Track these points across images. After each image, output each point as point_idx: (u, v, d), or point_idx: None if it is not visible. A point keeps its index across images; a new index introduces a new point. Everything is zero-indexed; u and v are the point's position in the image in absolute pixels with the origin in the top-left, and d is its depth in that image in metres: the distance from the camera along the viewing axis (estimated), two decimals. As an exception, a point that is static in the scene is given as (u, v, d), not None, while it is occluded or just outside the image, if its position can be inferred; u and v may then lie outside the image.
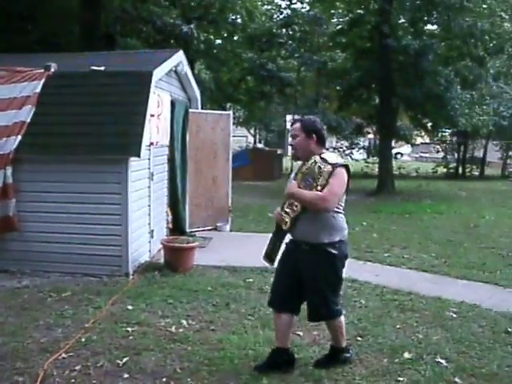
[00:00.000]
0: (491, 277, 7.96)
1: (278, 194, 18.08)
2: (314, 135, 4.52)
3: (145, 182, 8.18)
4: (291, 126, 4.74)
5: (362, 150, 33.68)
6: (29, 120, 7.41)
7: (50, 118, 7.50)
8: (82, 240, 7.45)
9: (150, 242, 8.46)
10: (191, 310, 6.18)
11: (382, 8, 18.40)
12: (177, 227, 9.61)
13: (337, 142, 31.07)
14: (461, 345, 5.35)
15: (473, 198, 18.70)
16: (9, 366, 4.63)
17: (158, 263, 8.05)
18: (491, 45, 19.13)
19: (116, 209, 7.35)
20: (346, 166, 4.47)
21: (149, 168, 8.32)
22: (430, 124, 24.52)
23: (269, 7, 28.74)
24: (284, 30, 26.70)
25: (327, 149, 4.78)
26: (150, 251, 8.48)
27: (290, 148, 4.92)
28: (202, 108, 11.29)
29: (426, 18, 19.93)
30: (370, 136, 31.63)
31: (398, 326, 5.80)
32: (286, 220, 4.51)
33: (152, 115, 7.92)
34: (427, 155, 43.47)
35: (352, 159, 29.25)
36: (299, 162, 4.67)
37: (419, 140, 36.25)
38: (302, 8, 27.85)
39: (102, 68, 7.84)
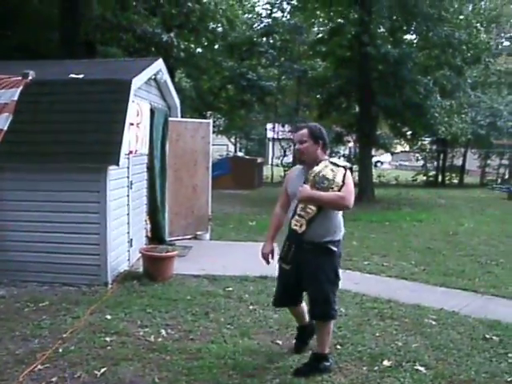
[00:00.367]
0: (470, 284, 8.02)
1: (259, 202, 18.24)
2: (320, 141, 4.83)
3: (124, 191, 8.13)
4: (297, 131, 5.00)
5: (342, 159, 33.83)
6: (6, 128, 7.32)
7: (28, 126, 7.41)
8: (60, 249, 7.36)
9: (128, 250, 8.41)
10: (170, 319, 6.13)
11: (362, 18, 18.56)
12: (156, 236, 9.55)
13: (317, 151, 31.10)
14: (440, 352, 5.37)
15: (452, 205, 18.86)
16: (-17, 379, 4.54)
17: (137, 272, 7.99)
18: (468, 54, 19.36)
19: (95, 217, 7.28)
20: (351, 169, 4.86)
21: (128, 177, 8.27)
22: (409, 132, 24.74)
23: (249, 16, 28.88)
24: (264, 39, 26.87)
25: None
26: (129, 260, 8.42)
27: (291, 152, 5.40)
28: (181, 116, 11.27)
29: (404, 28, 20.17)
30: (350, 144, 31.77)
31: (377, 334, 5.81)
32: (302, 223, 4.72)
33: (131, 124, 7.88)
34: (407, 163, 43.87)
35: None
36: (294, 167, 5.03)
37: (399, 148, 36.54)
38: (283, 17, 28.04)
39: (81, 76, 7.79)
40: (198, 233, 10.80)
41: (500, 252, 10.43)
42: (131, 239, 8.49)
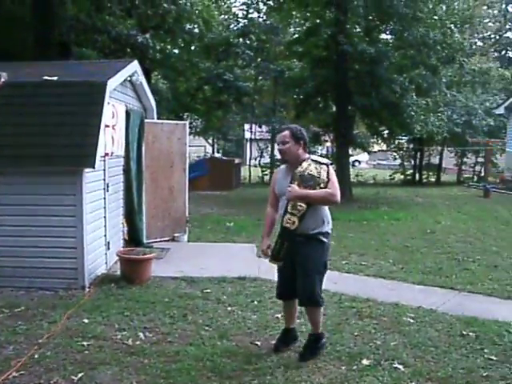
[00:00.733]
0: (447, 281, 8.08)
1: (236, 203, 18.23)
2: (301, 142, 5.17)
3: (100, 194, 8.05)
4: (279, 133, 5.31)
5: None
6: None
7: (0, 129, 7.32)
8: (36, 253, 7.28)
9: (106, 253, 8.34)
10: (148, 322, 6.10)
11: (337, 18, 18.62)
12: (134, 238, 9.49)
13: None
14: (418, 349, 5.41)
15: (429, 204, 19.00)
16: (-45, 388, 4.48)
17: (115, 275, 7.93)
18: (443, 54, 19.51)
19: (71, 221, 7.21)
20: (332, 164, 5.27)
21: (104, 179, 8.20)
22: (386, 131, 24.86)
23: (226, 17, 28.84)
24: (241, 40, 26.82)
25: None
26: (106, 263, 8.36)
27: (277, 152, 5.58)
28: (158, 118, 11.22)
29: (380, 28, 20.28)
30: (328, 144, 31.88)
31: (356, 333, 5.83)
32: (294, 220, 5.03)
33: (107, 126, 7.82)
34: (385, 162, 44.09)
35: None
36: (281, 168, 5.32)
37: (376, 147, 36.70)
38: (259, 17, 28.06)
39: (55, 78, 7.71)
40: (176, 235, 10.76)
41: (476, 249, 10.52)
42: (108, 242, 8.42)
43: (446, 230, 12.95)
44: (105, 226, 8.30)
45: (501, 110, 26.04)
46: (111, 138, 8.22)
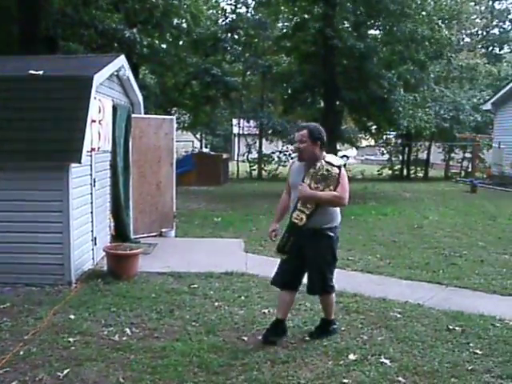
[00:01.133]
0: (434, 276, 8.11)
1: (224, 198, 18.22)
2: (318, 142, 5.26)
3: (86, 189, 8.01)
4: (298, 131, 5.39)
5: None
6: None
7: (-15, 124, 7.26)
8: (22, 249, 7.22)
9: (93, 249, 8.30)
10: (135, 317, 6.07)
11: (326, 13, 18.61)
12: (121, 234, 9.44)
13: (282, 146, 31.22)
14: (404, 344, 5.43)
15: (417, 199, 19.05)
16: None
17: (102, 271, 7.90)
18: (431, 50, 19.56)
19: (57, 216, 7.17)
20: (344, 166, 5.47)
21: (90, 174, 8.15)
22: (374, 127, 24.91)
23: (214, 11, 28.76)
24: (229, 35, 26.76)
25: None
26: (93, 259, 8.32)
27: (294, 150, 6.08)
28: (146, 113, 11.17)
29: (368, 23, 20.29)
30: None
31: (342, 328, 5.83)
32: (302, 217, 5.25)
33: (93, 121, 7.77)
34: (373, 157, 44.22)
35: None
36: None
37: (364, 143, 36.80)
38: (247, 12, 28.01)
39: (41, 72, 7.65)
40: (163, 230, 10.73)
41: (463, 244, 10.56)
42: (95, 237, 8.38)
43: (433, 225, 12.99)
44: (91, 221, 8.25)
45: (488, 106, 26.15)
46: (98, 133, 8.17)
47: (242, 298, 6.86)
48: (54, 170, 7.12)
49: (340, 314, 6.27)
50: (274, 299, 6.75)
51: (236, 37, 27.32)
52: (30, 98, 7.42)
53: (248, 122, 32.05)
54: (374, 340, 5.52)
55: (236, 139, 36.60)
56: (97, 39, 17.23)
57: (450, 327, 5.87)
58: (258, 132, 31.79)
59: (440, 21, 19.53)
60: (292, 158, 29.43)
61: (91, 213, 8.22)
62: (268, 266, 8.31)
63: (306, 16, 20.43)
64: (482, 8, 45.16)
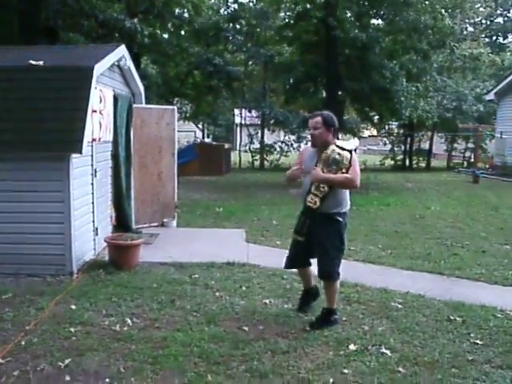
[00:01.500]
0: (436, 266, 8.10)
1: (226, 188, 18.21)
2: (331, 128, 5.52)
3: (88, 179, 8.00)
4: (312, 118, 5.62)
5: (309, 144, 33.86)
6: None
7: (-15, 115, 7.24)
8: (23, 239, 7.22)
9: (94, 239, 8.30)
10: (136, 307, 6.08)
11: (328, 2, 18.51)
12: (122, 224, 9.44)
13: (284, 136, 31.18)
14: (405, 335, 5.43)
15: (419, 189, 19.02)
16: None
17: (103, 261, 7.90)
18: (434, 39, 19.47)
19: (58, 207, 7.15)
20: (355, 150, 5.66)
21: (92, 164, 8.15)
22: (376, 117, 24.85)
23: (215, 1, 28.65)
24: (231, 24, 26.65)
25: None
26: (94, 249, 8.32)
27: (309, 137, 5.90)
28: (148, 103, 11.14)
29: (371, 12, 20.19)
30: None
31: (343, 319, 5.83)
32: (316, 200, 5.50)
33: (94, 111, 7.74)
34: (375, 148, 44.12)
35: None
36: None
37: (367, 133, 36.73)
38: (249, 2, 27.88)
39: (41, 62, 7.61)
40: (165, 220, 10.73)
41: (465, 234, 10.55)
42: (97, 228, 8.38)
43: (435, 215, 12.98)
44: (93, 211, 8.25)
45: (491, 96, 26.07)
46: (99, 124, 8.14)
47: (243, 288, 6.86)
48: (55, 160, 7.10)
49: (341, 304, 6.26)
50: (275, 289, 6.79)
51: (238, 26, 27.21)
52: (31, 89, 7.38)
53: (250, 111, 32.00)
54: (374, 330, 5.52)
55: (238, 129, 36.57)
56: (97, 29, 17.17)
57: (451, 318, 5.87)
58: (260, 122, 31.72)
59: (443, 10, 19.40)
60: (294, 149, 29.45)
61: (92, 203, 8.22)
62: (269, 256, 8.38)
63: (308, 6, 20.35)
64: (486, -3, 44.91)
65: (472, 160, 30.48)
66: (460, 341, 5.28)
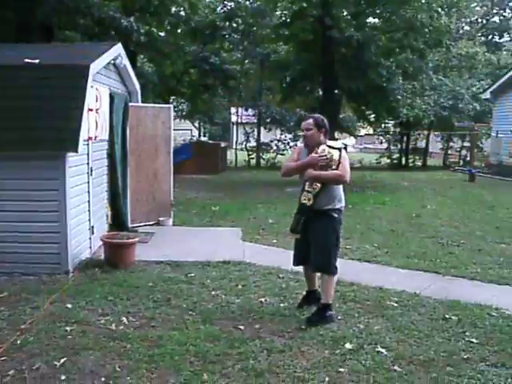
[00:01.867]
0: (431, 265, 8.11)
1: (222, 187, 18.20)
2: (322, 129, 5.81)
3: (84, 178, 7.99)
4: (304, 121, 5.94)
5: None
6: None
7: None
8: (19, 238, 7.22)
9: (90, 238, 8.30)
10: (131, 306, 6.08)
11: (325, 0, 18.49)
12: (118, 223, 9.44)
13: (281, 135, 31.16)
14: (401, 333, 5.44)
15: (415, 188, 19.02)
16: None
17: (99, 260, 7.89)
18: (430, 38, 19.45)
19: (54, 205, 7.15)
20: (345, 148, 6.03)
21: (88, 163, 8.14)
22: (372, 115, 24.85)
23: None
24: (227, 23, 26.59)
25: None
26: (90, 248, 8.31)
27: (302, 138, 6.25)
28: (144, 102, 11.12)
29: (367, 11, 20.16)
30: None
31: (339, 317, 5.84)
32: (310, 197, 5.74)
33: (90, 109, 7.74)
34: (371, 146, 44.18)
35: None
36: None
37: (363, 131, 36.77)
38: (246, 0, 27.82)
39: (37, 61, 7.60)
40: (161, 219, 10.72)
41: (461, 233, 10.57)
42: (92, 226, 8.38)
43: (431, 214, 12.99)
44: (89, 210, 8.25)
45: (487, 95, 26.08)
46: (95, 122, 8.14)
47: (239, 286, 6.86)
48: (51, 159, 7.10)
49: (337, 302, 6.27)
50: (271, 288, 6.80)
51: (234, 25, 27.14)
52: (26, 87, 7.36)
53: (246, 110, 32.00)
54: (370, 329, 5.53)
55: (234, 128, 36.54)
56: (93, 27, 17.10)
57: (447, 316, 5.88)
58: (256, 120, 31.71)
59: (439, 8, 19.38)
60: (290, 147, 29.46)
61: (88, 202, 8.21)
62: (265, 254, 8.39)
63: (305, 4, 20.31)
64: (482, -4, 44.92)
65: (468, 159, 30.52)
66: (455, 339, 5.29)
